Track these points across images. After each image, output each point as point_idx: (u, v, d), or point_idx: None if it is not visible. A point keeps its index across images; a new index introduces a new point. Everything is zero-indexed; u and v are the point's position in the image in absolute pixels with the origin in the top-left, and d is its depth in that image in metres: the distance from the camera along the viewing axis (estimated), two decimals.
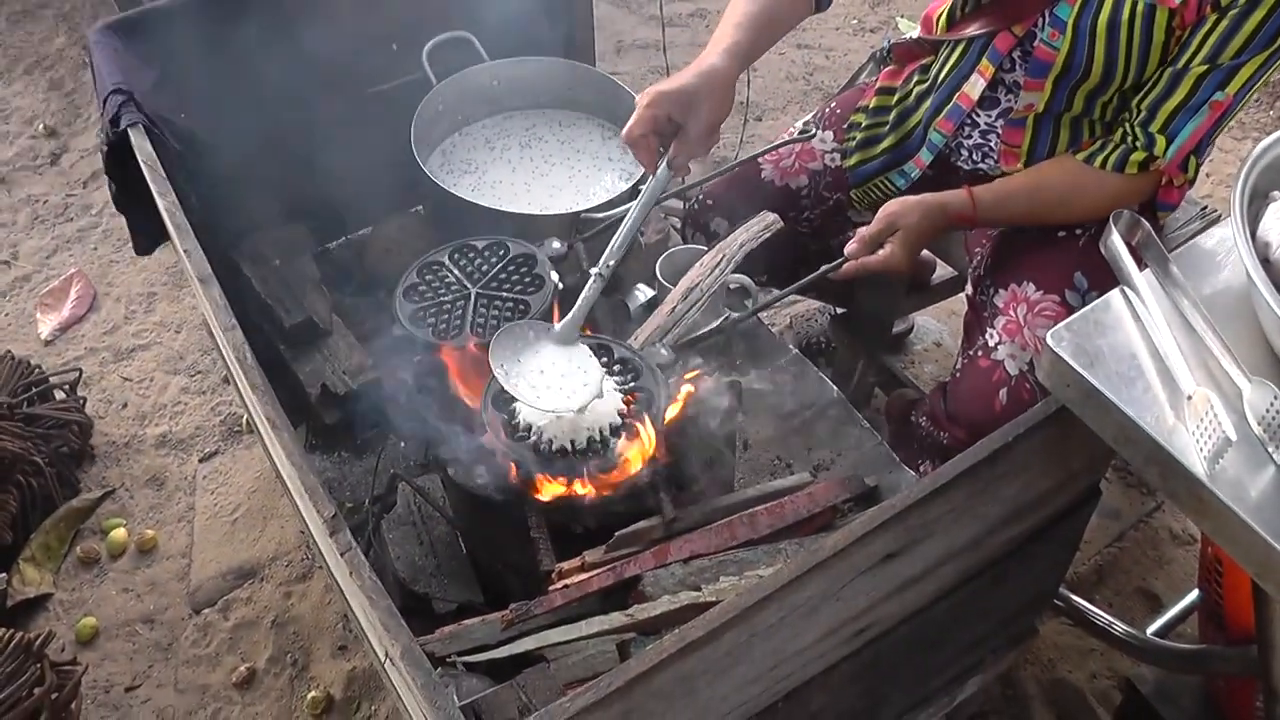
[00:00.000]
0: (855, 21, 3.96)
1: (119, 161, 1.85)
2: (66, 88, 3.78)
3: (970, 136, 1.85)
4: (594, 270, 1.65)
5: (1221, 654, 1.72)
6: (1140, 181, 1.65)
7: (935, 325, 2.74)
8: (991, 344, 1.73)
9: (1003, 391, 1.69)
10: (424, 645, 1.17)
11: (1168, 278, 1.23)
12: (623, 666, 1.06)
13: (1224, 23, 1.49)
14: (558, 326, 1.64)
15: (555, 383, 1.55)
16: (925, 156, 1.89)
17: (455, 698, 1.12)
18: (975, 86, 1.78)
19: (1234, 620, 1.67)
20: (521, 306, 1.78)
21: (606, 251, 1.65)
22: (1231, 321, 1.19)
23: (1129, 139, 1.63)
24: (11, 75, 3.86)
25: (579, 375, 1.57)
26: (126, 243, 3.15)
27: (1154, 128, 1.60)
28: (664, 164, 1.61)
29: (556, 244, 1.84)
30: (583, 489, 1.49)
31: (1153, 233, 1.28)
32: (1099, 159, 1.65)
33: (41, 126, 3.62)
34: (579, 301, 1.65)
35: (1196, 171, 1.64)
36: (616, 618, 1.39)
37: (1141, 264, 1.27)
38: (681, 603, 1.39)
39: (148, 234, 2.05)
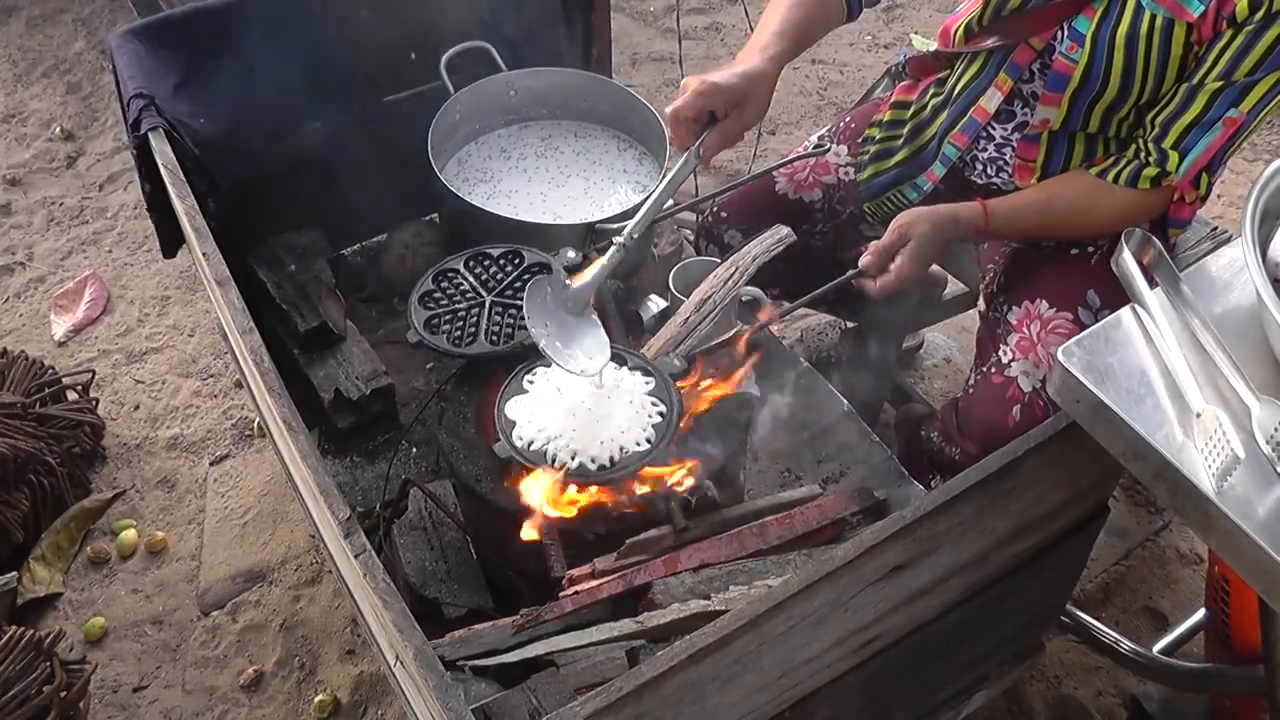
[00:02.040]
0: (869, 37, 3.98)
1: (148, 163, 1.87)
2: (84, 91, 3.81)
3: (985, 150, 1.86)
4: (617, 239, 1.65)
5: (1228, 673, 1.73)
6: (1152, 197, 1.66)
7: (945, 341, 2.75)
8: (1005, 361, 1.73)
9: (1016, 408, 1.69)
10: (434, 649, 1.17)
11: (1178, 296, 1.25)
12: (634, 671, 1.07)
13: (1239, 39, 1.50)
14: (573, 286, 1.63)
15: (565, 348, 1.56)
16: (939, 170, 1.90)
17: (465, 700, 1.13)
18: (992, 100, 1.79)
19: (1240, 639, 1.68)
20: None
21: (630, 223, 1.65)
22: (1241, 341, 1.21)
23: (1142, 154, 1.64)
24: (30, 78, 3.88)
25: (582, 347, 1.57)
26: (141, 246, 3.19)
27: (1167, 143, 1.61)
28: (695, 148, 1.63)
29: (571, 253, 1.85)
30: (596, 498, 1.50)
31: (1164, 251, 1.29)
32: (1111, 174, 1.66)
33: (58, 129, 3.65)
34: (595, 266, 1.65)
35: (1209, 189, 1.65)
36: (626, 624, 1.40)
37: (1153, 282, 1.28)
38: (691, 611, 1.40)
39: (173, 236, 2.06)
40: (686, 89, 1.62)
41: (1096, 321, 1.69)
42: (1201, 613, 1.98)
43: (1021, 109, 1.78)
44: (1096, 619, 1.96)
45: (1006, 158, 1.84)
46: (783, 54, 1.67)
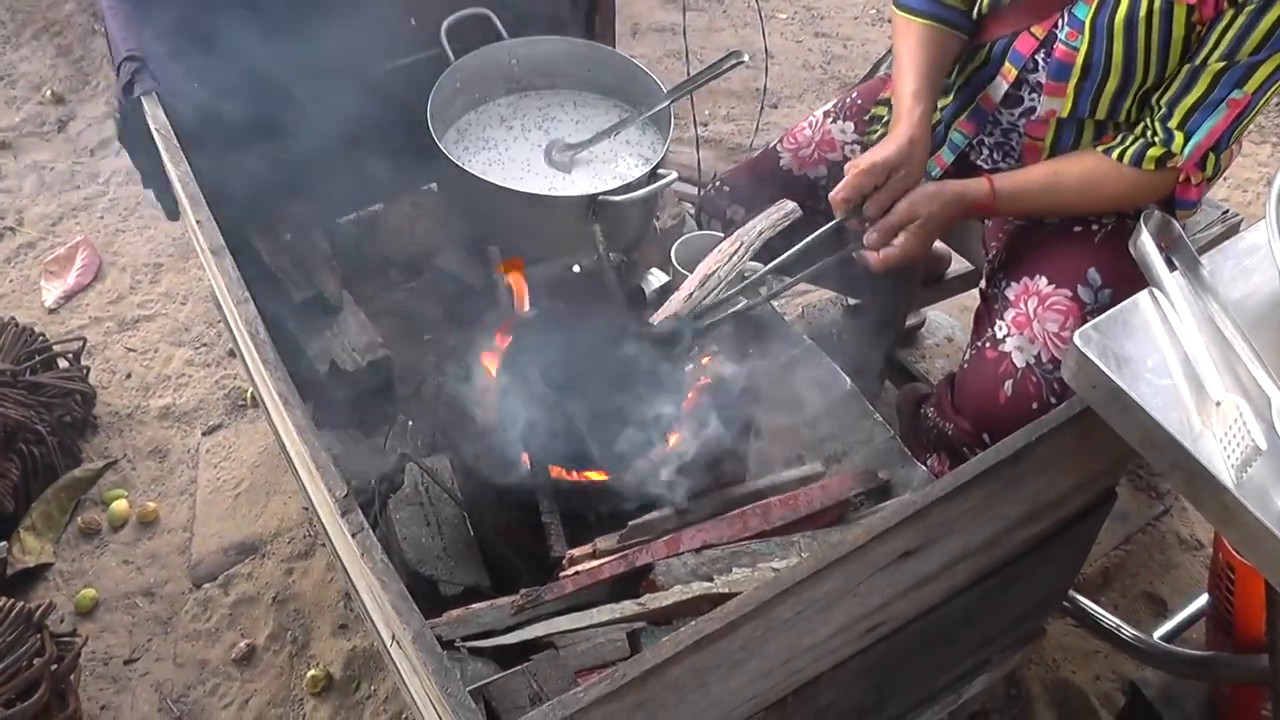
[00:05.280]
0: (873, 11, 3.94)
1: (138, 131, 1.83)
2: (75, 54, 3.75)
3: (992, 135, 1.83)
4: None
5: (1230, 661, 1.71)
6: (1157, 177, 1.64)
7: (947, 320, 2.73)
8: (1000, 336, 1.72)
9: (1008, 384, 1.68)
10: (432, 628, 1.15)
11: (1198, 281, 1.22)
12: (638, 658, 1.05)
13: (1240, 19, 1.47)
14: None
15: None
16: (947, 156, 1.87)
17: (462, 681, 1.11)
18: (998, 89, 1.76)
19: (1243, 628, 1.66)
20: None
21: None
22: (1262, 328, 1.18)
23: (1149, 133, 1.62)
24: (19, 39, 3.82)
25: None
26: (133, 212, 3.15)
27: (1172, 124, 1.58)
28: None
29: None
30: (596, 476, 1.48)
31: (1184, 235, 1.26)
32: (1117, 151, 1.64)
33: (49, 93, 3.59)
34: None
35: (1216, 169, 1.62)
36: (627, 606, 1.38)
37: (1171, 266, 1.25)
38: (693, 593, 1.38)
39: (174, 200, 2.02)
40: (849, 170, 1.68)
41: (1096, 300, 1.69)
42: (1203, 599, 1.97)
43: (1029, 95, 1.75)
44: (1096, 603, 1.94)
45: (1013, 143, 1.82)
46: (925, 113, 1.72)
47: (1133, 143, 1.63)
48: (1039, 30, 1.68)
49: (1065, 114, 1.68)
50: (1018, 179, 1.72)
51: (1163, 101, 1.59)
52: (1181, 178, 1.63)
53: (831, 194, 1.69)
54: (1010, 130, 1.81)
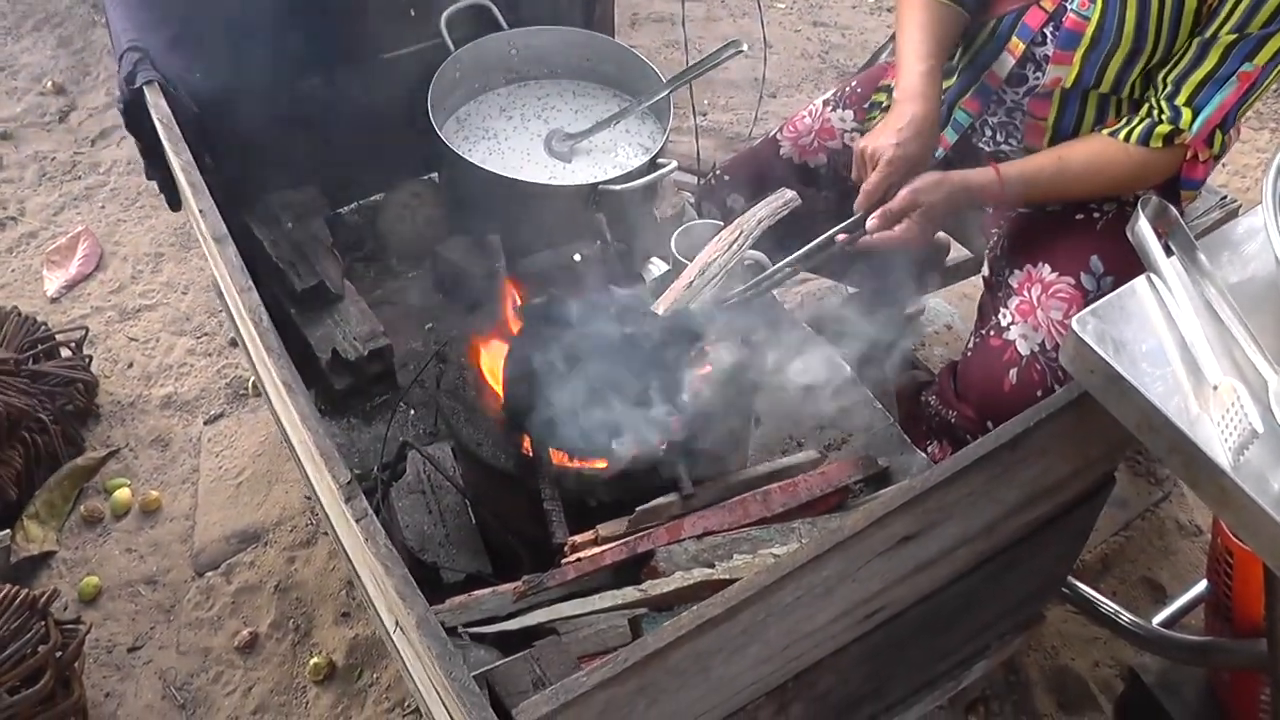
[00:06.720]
0: (871, 0, 3.94)
1: (138, 120, 1.83)
2: (75, 45, 3.75)
3: (995, 114, 1.83)
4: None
5: (1229, 647, 1.71)
6: (1165, 156, 1.64)
7: (947, 308, 2.73)
8: (1004, 324, 1.72)
9: (1013, 371, 1.68)
10: (435, 615, 1.16)
11: (1195, 265, 1.22)
12: (640, 642, 1.05)
13: None
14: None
15: None
16: (950, 136, 1.87)
17: (465, 668, 1.11)
18: (1004, 65, 1.76)
19: (1242, 613, 1.66)
20: None
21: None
22: (1258, 312, 1.18)
23: (1155, 112, 1.62)
24: (20, 31, 3.82)
25: None
26: (134, 202, 3.15)
27: (1180, 100, 1.58)
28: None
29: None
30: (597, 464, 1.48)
31: (1180, 220, 1.26)
32: (1123, 133, 1.64)
33: (50, 84, 3.59)
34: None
35: (1223, 146, 1.63)
36: (629, 593, 1.39)
37: (1168, 251, 1.25)
38: (695, 579, 1.38)
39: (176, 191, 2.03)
40: (876, 161, 1.69)
41: (1099, 287, 1.69)
42: (1201, 585, 1.97)
43: (1034, 73, 1.75)
44: (1095, 589, 1.95)
45: (1016, 122, 1.81)
46: (939, 91, 1.75)
47: (1139, 123, 1.63)
48: (1048, 3, 1.68)
49: (1070, 83, 1.68)
50: (1025, 166, 1.72)
51: (1169, 79, 1.59)
52: (1189, 155, 1.63)
53: (864, 186, 1.69)
54: (1014, 109, 1.81)
